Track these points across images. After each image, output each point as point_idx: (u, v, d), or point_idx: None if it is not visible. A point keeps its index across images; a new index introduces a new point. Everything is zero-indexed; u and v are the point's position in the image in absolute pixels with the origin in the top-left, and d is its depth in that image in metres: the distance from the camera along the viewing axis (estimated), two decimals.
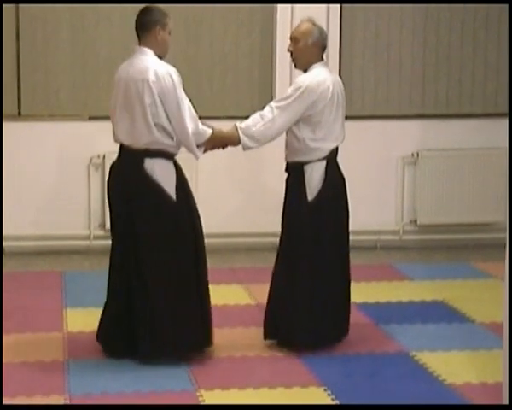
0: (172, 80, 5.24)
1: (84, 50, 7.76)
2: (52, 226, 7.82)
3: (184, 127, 5.26)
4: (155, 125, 5.24)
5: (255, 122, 5.45)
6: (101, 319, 5.54)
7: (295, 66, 5.61)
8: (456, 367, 5.36)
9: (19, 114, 7.72)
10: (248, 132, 5.44)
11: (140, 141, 5.28)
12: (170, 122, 5.25)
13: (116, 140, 5.44)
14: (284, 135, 5.60)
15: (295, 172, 5.54)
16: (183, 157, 5.48)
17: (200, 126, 5.33)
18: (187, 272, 5.38)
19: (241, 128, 5.45)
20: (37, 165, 7.76)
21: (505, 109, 5.05)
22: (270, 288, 5.68)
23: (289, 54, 5.60)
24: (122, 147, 5.40)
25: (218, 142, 5.45)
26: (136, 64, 5.31)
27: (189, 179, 5.54)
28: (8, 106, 7.65)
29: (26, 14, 7.62)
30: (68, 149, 7.78)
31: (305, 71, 5.53)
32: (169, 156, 5.34)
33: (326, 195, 5.50)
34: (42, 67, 7.71)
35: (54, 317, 6.17)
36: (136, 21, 5.39)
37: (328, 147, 5.51)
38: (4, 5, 7.50)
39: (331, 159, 5.54)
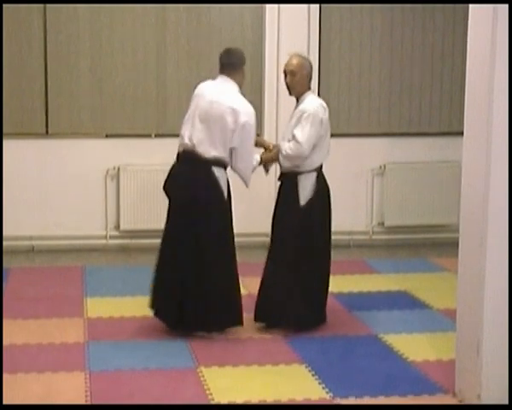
0: (254, 120, 5.33)
1: (101, 78, 7.74)
2: (74, 228, 7.80)
3: (250, 162, 5.40)
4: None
5: (289, 146, 5.42)
6: (157, 293, 5.50)
7: (290, 94, 5.55)
8: (416, 347, 5.36)
9: (47, 132, 7.70)
10: (285, 155, 5.44)
11: (211, 153, 5.31)
12: (238, 151, 5.32)
13: (183, 143, 5.39)
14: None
15: (290, 180, 5.51)
16: None
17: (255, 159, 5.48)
18: (230, 261, 5.44)
19: (280, 151, 5.46)
20: (62, 175, 7.74)
21: (458, 129, 5.06)
22: (262, 279, 5.66)
23: (285, 85, 5.56)
24: (186, 151, 5.36)
25: (264, 162, 5.56)
26: (225, 91, 5.35)
27: None
28: (38, 126, 7.65)
29: (52, 46, 7.60)
30: (88, 162, 7.76)
31: (298, 98, 5.51)
32: (226, 167, 5.41)
33: (315, 200, 5.49)
34: (66, 92, 7.69)
35: (76, 305, 6.16)
36: (225, 60, 5.44)
37: (319, 161, 5.51)
38: (35, 38, 7.49)
39: (319, 170, 5.54)
